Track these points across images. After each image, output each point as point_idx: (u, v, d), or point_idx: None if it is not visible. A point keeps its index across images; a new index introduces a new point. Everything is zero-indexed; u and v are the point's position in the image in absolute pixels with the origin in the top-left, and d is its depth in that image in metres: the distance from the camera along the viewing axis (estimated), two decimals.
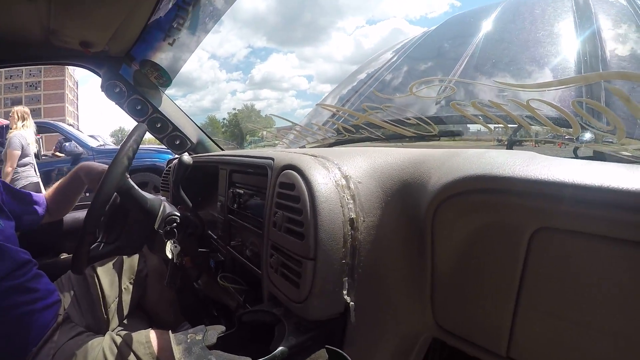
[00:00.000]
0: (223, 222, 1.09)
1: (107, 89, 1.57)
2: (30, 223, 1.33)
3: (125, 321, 1.31)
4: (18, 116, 4.09)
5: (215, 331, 0.64)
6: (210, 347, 0.60)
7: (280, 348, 0.58)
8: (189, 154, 1.77)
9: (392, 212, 0.65)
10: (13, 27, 1.18)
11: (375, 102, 1.65)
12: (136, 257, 1.38)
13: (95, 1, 1.10)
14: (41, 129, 7.00)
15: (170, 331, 0.61)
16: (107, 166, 1.31)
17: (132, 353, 1.00)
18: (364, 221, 0.63)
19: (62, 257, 1.58)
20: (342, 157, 0.71)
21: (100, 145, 6.45)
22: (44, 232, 1.43)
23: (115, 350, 1.01)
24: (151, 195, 1.10)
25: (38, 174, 4.41)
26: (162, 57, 1.55)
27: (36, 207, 1.35)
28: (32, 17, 1.12)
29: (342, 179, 0.65)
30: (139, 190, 1.06)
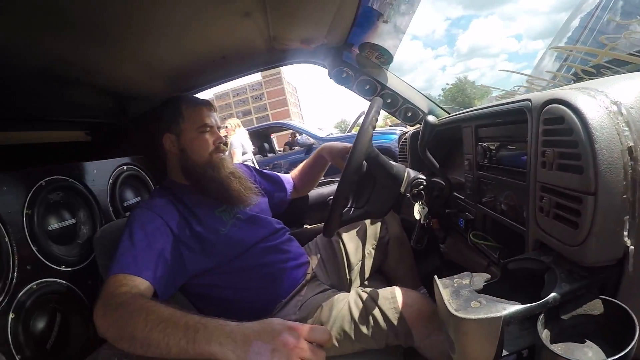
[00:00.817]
0: (472, 180, 1.06)
1: (335, 76, 1.70)
2: (280, 199, 1.58)
3: (366, 282, 1.41)
4: (233, 126, 5.40)
5: (481, 278, 0.64)
6: (478, 292, 0.61)
7: (552, 294, 0.54)
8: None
9: None
10: (241, 43, 1.36)
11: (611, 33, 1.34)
12: (379, 224, 1.46)
13: (307, 1, 1.17)
14: (274, 128, 8.51)
15: (436, 276, 0.64)
16: (346, 144, 1.45)
17: (376, 307, 1.06)
18: None
19: (307, 227, 1.82)
20: (604, 84, 0.63)
21: (328, 135, 7.21)
22: (292, 206, 1.66)
23: (361, 304, 1.08)
24: (394, 163, 1.15)
25: (256, 166, 5.50)
26: (379, 37, 1.59)
27: (284, 185, 1.59)
28: (254, 30, 1.26)
29: (612, 105, 0.58)
30: (384, 157, 1.11)
